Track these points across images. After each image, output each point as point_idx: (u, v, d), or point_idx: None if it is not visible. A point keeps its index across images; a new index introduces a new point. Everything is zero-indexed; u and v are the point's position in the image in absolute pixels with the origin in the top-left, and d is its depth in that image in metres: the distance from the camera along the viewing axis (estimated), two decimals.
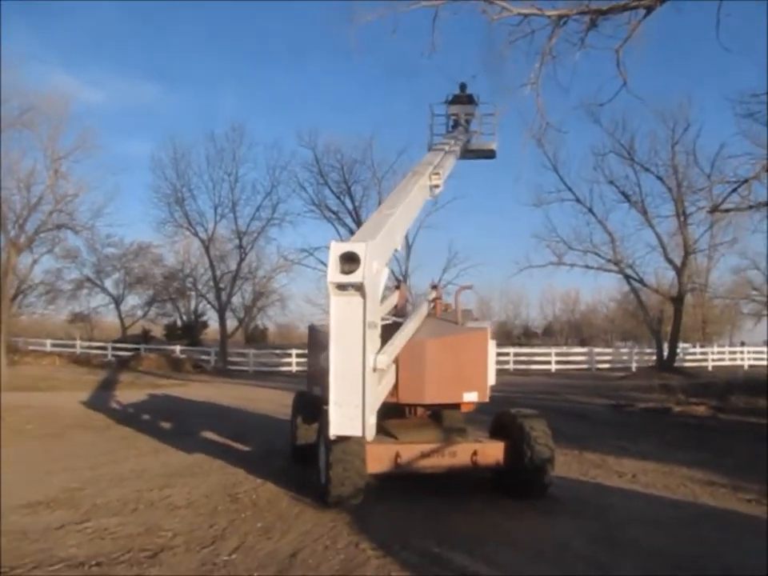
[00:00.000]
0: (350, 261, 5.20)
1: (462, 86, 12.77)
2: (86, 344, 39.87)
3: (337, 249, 5.32)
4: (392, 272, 36.19)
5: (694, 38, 48.93)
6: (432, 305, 8.50)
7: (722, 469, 8.95)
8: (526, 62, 9.22)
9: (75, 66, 75.21)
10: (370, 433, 5.37)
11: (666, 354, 29.77)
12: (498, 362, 30.98)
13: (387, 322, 7.07)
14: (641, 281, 29.51)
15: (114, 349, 37.25)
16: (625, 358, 35.13)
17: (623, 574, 5.06)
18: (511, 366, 32.84)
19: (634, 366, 32.68)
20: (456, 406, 7.43)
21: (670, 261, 28.67)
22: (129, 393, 19.90)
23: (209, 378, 28.52)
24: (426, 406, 7.44)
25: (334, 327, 5.33)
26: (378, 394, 5.91)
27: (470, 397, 7.06)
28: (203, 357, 35.76)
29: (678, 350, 33.49)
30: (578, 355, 35.97)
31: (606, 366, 34.09)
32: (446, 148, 10.53)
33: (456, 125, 12.59)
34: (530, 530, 6.10)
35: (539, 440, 7.01)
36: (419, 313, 7.70)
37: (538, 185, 32.86)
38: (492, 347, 7.34)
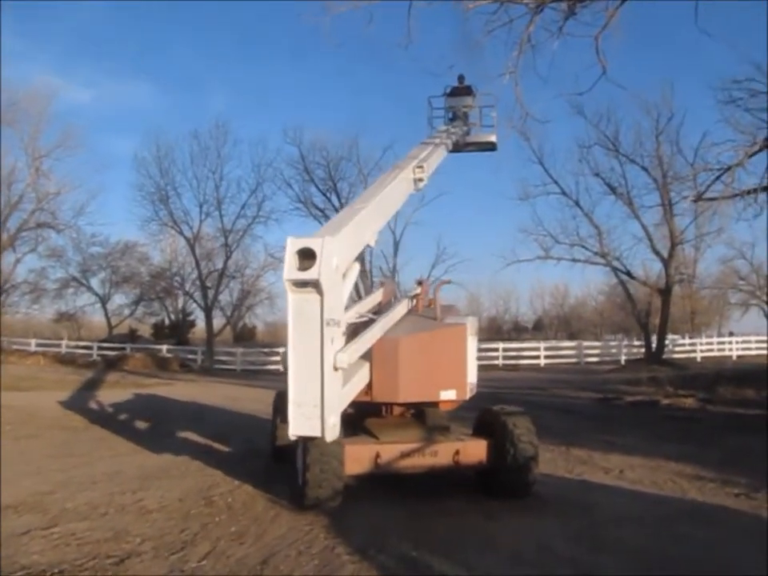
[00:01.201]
0: (307, 257, 5.01)
1: (461, 78, 12.54)
2: (73, 343, 39.50)
3: (293, 245, 5.12)
4: (380, 269, 36.25)
5: (676, 26, 49.08)
6: (413, 301, 8.29)
7: (710, 462, 8.83)
8: (504, 51, 9.02)
9: (62, 64, 74.85)
10: (331, 433, 5.17)
11: (654, 346, 29.73)
12: (487, 358, 31.07)
13: (364, 319, 6.87)
14: (628, 273, 29.47)
15: (100, 348, 36.87)
16: (614, 351, 35.11)
17: (606, 574, 4.91)
18: (500, 362, 32.78)
19: (623, 358, 32.66)
20: (434, 405, 7.23)
21: (656, 252, 28.66)
22: (113, 393, 19.63)
23: (195, 378, 28.27)
24: (401, 405, 7.22)
25: (292, 325, 5.15)
26: (345, 393, 5.71)
27: (448, 395, 6.84)
28: (190, 356, 35.51)
29: (667, 342, 33.51)
30: (566, 349, 35.93)
31: (595, 359, 34.06)
32: (437, 141, 10.31)
33: (455, 117, 12.39)
34: (512, 531, 5.91)
35: (522, 438, 6.83)
36: (395, 310, 7.48)
37: (523, 178, 32.90)
38: (472, 343, 7.13)
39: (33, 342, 37.49)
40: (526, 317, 70.88)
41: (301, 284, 5.03)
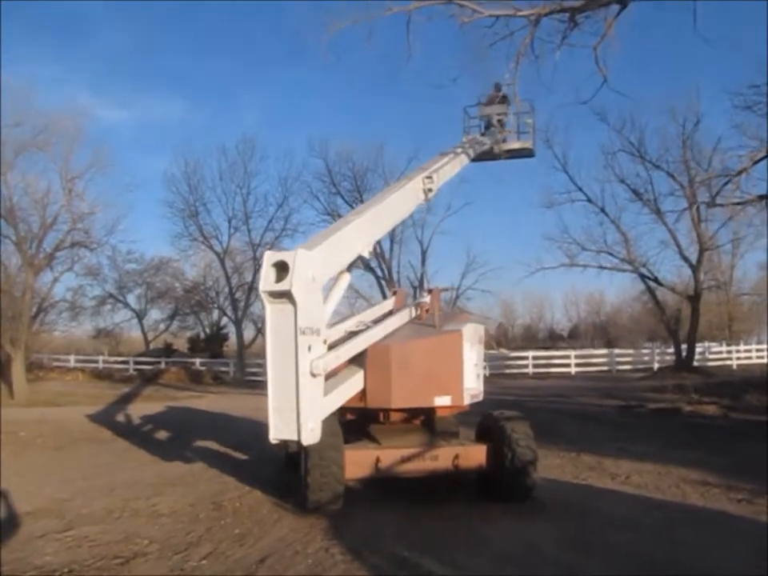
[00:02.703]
0: (282, 269, 5.29)
1: (497, 86, 12.62)
2: (112, 359, 40.64)
3: (269, 258, 5.43)
4: (407, 278, 36.35)
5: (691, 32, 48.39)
6: (418, 309, 8.49)
7: (720, 469, 8.81)
8: (508, 62, 9.19)
9: (96, 85, 77.19)
10: (309, 438, 5.39)
11: (684, 353, 29.23)
12: (517, 366, 30.79)
13: (360, 328, 7.13)
14: (655, 279, 29.02)
15: (136, 363, 37.81)
16: (646, 358, 34.57)
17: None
18: (530, 370, 32.60)
19: (655, 366, 32.15)
20: (430, 411, 7.40)
21: (685, 258, 28.22)
22: (145, 406, 20.15)
23: (227, 390, 28.81)
24: (395, 411, 7.37)
25: (269, 334, 5.43)
26: (332, 399, 5.95)
27: (443, 401, 7.02)
28: (222, 368, 36.15)
29: (702, 349, 32.88)
30: (598, 357, 35.51)
31: (628, 367, 33.61)
32: (458, 150, 10.43)
33: (489, 125, 12.54)
34: (505, 534, 6.05)
35: (520, 442, 6.98)
36: (392, 318, 7.70)
37: (548, 186, 32.75)
38: (470, 350, 7.28)
39: (72, 358, 38.71)
40: (561, 324, 70.11)
41: (276, 295, 5.31)
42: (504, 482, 6.98)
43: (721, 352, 35.52)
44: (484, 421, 7.70)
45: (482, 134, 12.19)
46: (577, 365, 33.62)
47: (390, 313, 8.51)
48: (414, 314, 8.32)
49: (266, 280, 5.34)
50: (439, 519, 6.51)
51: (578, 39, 9.61)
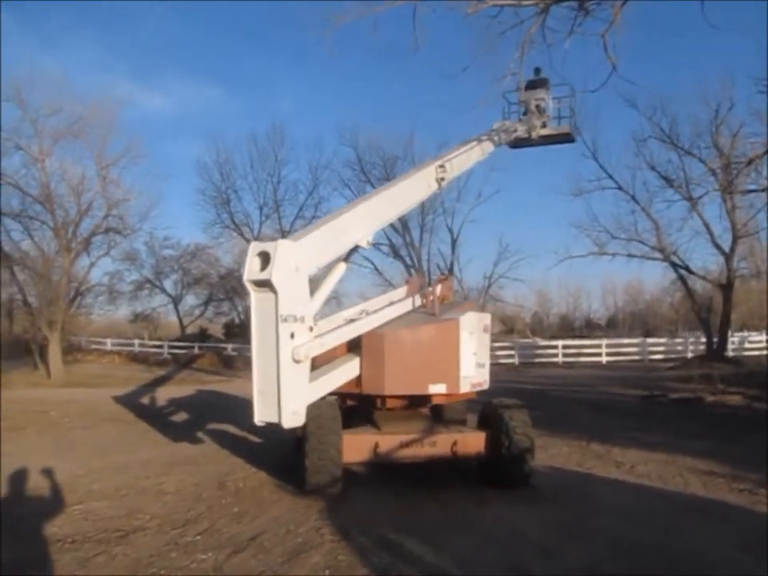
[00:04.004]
0: (265, 259, 5.46)
1: (537, 71, 12.42)
2: (150, 343, 41.70)
3: (253, 249, 5.61)
4: (437, 266, 36.27)
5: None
6: (423, 298, 8.54)
7: (730, 459, 8.71)
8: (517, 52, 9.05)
9: (135, 72, 78.44)
10: (290, 421, 5.57)
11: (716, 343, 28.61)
12: (546, 355, 30.45)
13: (360, 317, 7.26)
14: (686, 268, 28.38)
15: (171, 347, 38.69)
16: (680, 348, 33.93)
17: (568, 559, 5.09)
18: (560, 359, 32.33)
19: (689, 355, 31.55)
20: (426, 398, 7.48)
21: (717, 246, 27.46)
22: (175, 389, 20.71)
23: None
24: (389, 397, 7.42)
25: (254, 321, 5.61)
26: (321, 384, 6.12)
27: (437, 389, 7.09)
28: None
29: (740, 339, 32.15)
30: (630, 346, 34.99)
31: (661, 356, 33.05)
32: (483, 138, 10.37)
33: (526, 111, 12.40)
34: (495, 518, 6.15)
35: (517, 430, 7.04)
36: (393, 306, 7.79)
37: (577, 173, 32.16)
38: (469, 339, 7.31)
39: (108, 341, 39.83)
40: (598, 314, 69.21)
41: (258, 284, 5.49)
42: (501, 468, 7.07)
43: (761, 341, 34.61)
44: (485, 409, 7.77)
45: (520, 120, 12.04)
46: (608, 354, 33.16)
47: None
48: (418, 303, 8.38)
49: (250, 269, 5.54)
50: (434, 503, 6.64)
51: (590, 27, 9.45)
